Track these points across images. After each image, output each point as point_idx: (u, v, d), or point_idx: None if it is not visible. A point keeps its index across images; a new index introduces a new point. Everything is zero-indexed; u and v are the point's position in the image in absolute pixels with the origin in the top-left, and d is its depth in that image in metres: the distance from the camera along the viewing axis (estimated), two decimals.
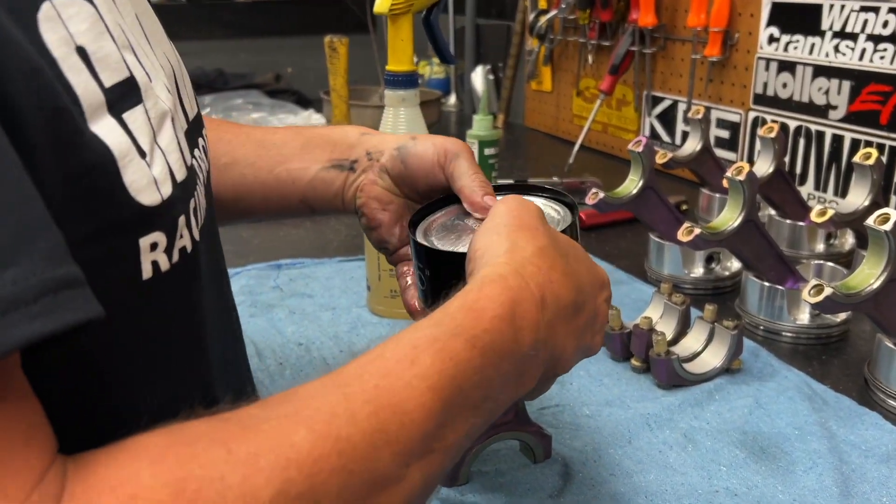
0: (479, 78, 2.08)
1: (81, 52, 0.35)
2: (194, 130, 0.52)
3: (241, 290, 1.02)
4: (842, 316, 0.91)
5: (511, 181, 0.61)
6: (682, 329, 0.87)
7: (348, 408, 0.35)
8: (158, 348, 0.42)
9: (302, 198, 0.69)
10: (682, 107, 1.54)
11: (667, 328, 0.86)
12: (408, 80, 0.88)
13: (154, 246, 0.38)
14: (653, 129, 1.63)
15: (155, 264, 0.38)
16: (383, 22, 0.94)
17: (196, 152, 0.50)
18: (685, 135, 1.51)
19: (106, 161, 0.35)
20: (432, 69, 2.24)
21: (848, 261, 1.08)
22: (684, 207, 1.31)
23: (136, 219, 0.37)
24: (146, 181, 0.37)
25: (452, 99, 2.24)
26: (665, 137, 1.60)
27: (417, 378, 0.38)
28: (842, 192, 1.24)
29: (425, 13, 0.94)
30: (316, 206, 0.69)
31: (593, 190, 0.96)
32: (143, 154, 0.38)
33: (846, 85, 1.20)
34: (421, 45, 0.99)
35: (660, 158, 1.09)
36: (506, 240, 0.48)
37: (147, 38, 0.45)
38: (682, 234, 0.88)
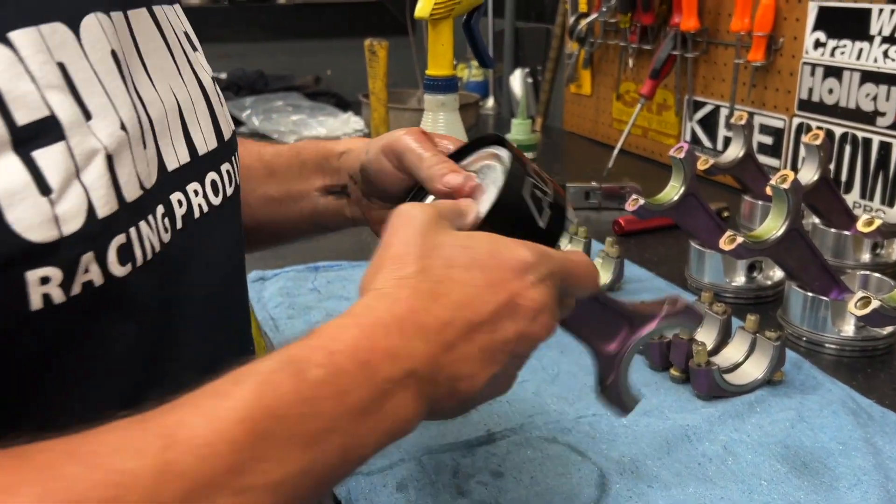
0: (517, 81, 2.07)
1: None
2: (203, 166, 0.53)
3: (279, 291, 1.03)
4: (888, 328, 0.89)
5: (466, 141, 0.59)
6: (723, 339, 0.86)
7: (137, 442, 0.35)
8: (56, 378, 0.42)
9: (315, 223, 0.70)
10: (724, 112, 1.52)
11: (707, 338, 0.85)
12: (447, 85, 0.88)
13: (45, 280, 0.39)
14: (694, 134, 1.61)
15: (46, 297, 0.39)
16: (423, 26, 0.94)
17: (193, 186, 0.51)
18: (727, 140, 1.49)
19: None
20: (471, 72, 2.24)
21: (895, 271, 1.06)
22: (726, 214, 1.29)
23: (22, 254, 0.37)
24: (42, 219, 0.38)
25: (490, 102, 2.23)
26: (706, 143, 1.58)
27: (226, 409, 0.37)
28: (889, 200, 1.21)
29: (466, 17, 0.94)
30: (331, 228, 0.70)
31: (633, 196, 0.95)
32: (48, 191, 0.38)
33: (895, 91, 1.18)
34: (459, 47, 0.99)
35: (701, 165, 1.08)
36: (372, 274, 0.47)
37: (124, 77, 0.46)
38: (725, 243, 0.86)
